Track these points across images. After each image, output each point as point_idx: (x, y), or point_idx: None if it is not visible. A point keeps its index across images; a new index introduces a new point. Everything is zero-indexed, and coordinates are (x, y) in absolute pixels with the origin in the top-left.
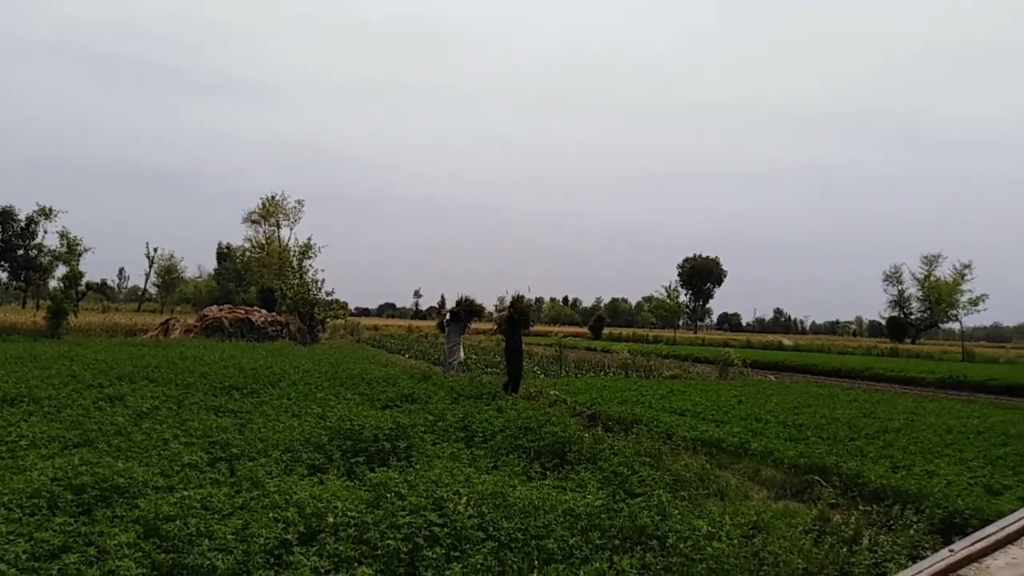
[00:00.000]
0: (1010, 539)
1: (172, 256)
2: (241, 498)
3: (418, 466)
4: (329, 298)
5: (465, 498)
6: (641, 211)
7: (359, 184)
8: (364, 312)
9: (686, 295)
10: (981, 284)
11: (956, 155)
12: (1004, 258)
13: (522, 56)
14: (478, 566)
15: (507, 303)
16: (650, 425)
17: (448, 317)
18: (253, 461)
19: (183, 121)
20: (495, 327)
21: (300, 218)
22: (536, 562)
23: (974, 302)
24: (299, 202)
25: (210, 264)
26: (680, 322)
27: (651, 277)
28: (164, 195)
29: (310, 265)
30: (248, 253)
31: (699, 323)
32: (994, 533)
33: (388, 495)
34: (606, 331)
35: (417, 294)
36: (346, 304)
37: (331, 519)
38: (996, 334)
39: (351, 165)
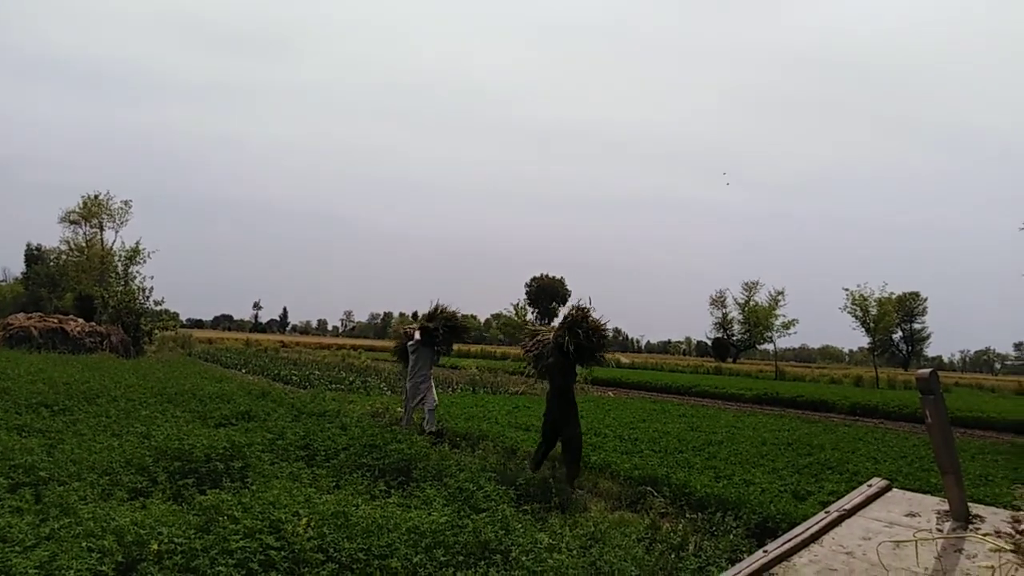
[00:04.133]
0: (812, 539)
1: None
2: (48, 527)
3: (254, 487)
4: (158, 308)
5: (305, 519)
6: (490, 228)
7: (195, 187)
8: (197, 324)
9: (533, 313)
10: (792, 309)
11: (778, 196)
12: (810, 286)
13: (366, 61)
14: None
15: (554, 321)
16: (496, 441)
17: (416, 337)
18: (64, 486)
19: None
20: (531, 352)
21: (127, 220)
22: None
23: (786, 325)
24: (126, 203)
25: (17, 267)
26: None
27: (500, 294)
28: None
29: (137, 272)
30: (65, 256)
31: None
32: (800, 534)
33: (220, 519)
34: (455, 347)
35: (256, 306)
36: (177, 315)
37: (155, 546)
38: (803, 355)
39: (187, 166)
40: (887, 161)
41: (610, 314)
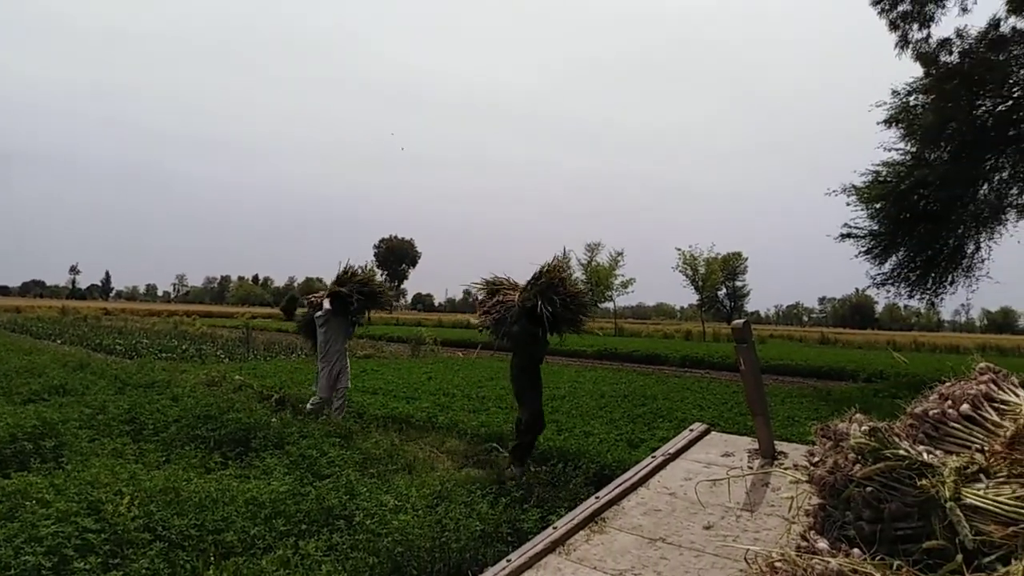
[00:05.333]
0: (640, 482)
1: None
2: None
3: (69, 467)
4: None
5: (128, 498)
6: (339, 189)
7: None
8: (3, 291)
9: (382, 275)
10: (629, 269)
11: (623, 158)
12: (647, 245)
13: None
14: (143, 571)
15: (499, 278)
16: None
17: (325, 307)
18: None
19: None
20: (491, 314)
21: None
22: (213, 558)
23: (625, 284)
24: None
25: None
26: None
27: (347, 257)
28: None
29: None
30: None
31: (394, 303)
32: (629, 479)
33: (28, 503)
34: (299, 312)
35: (74, 270)
36: None
37: None
38: (640, 312)
39: None
40: (723, 127)
41: (462, 277)
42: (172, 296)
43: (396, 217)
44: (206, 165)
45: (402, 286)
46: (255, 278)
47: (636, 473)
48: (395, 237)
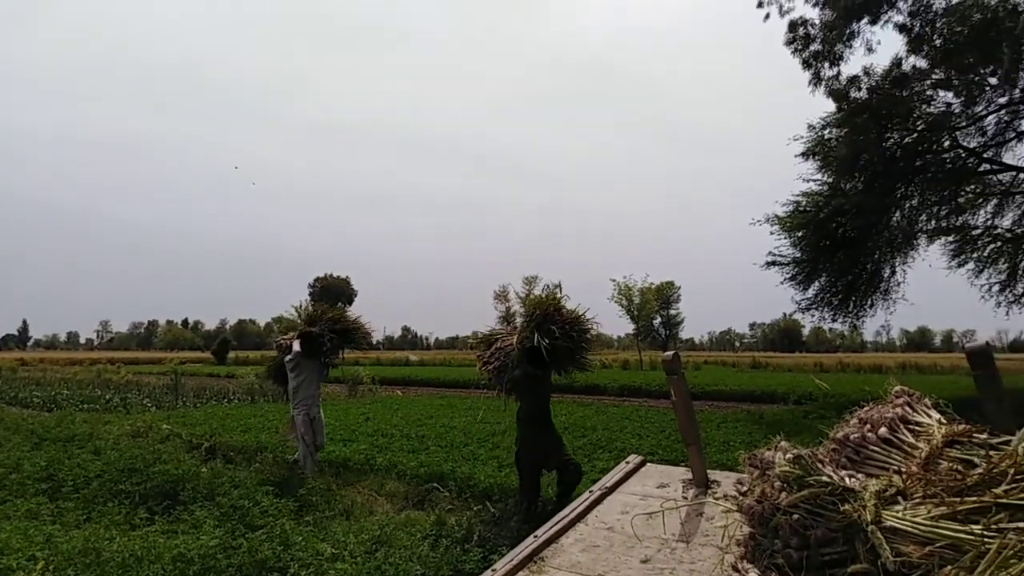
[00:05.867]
0: (578, 518)
1: None
2: None
3: None
4: None
5: (42, 563)
6: (270, 228)
7: None
8: None
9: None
10: (567, 301)
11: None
12: (582, 277)
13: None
14: None
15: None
16: (276, 452)
17: (295, 349)
18: None
19: None
20: (490, 364)
21: None
22: None
23: None
24: None
25: None
26: None
27: (281, 297)
28: None
29: None
30: None
31: (371, 341)
32: (567, 516)
33: None
34: (232, 355)
35: None
36: None
37: None
38: None
39: None
40: (651, 158)
41: (399, 313)
42: (96, 343)
43: (331, 255)
44: (132, 207)
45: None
46: (184, 322)
47: (574, 509)
48: (330, 275)
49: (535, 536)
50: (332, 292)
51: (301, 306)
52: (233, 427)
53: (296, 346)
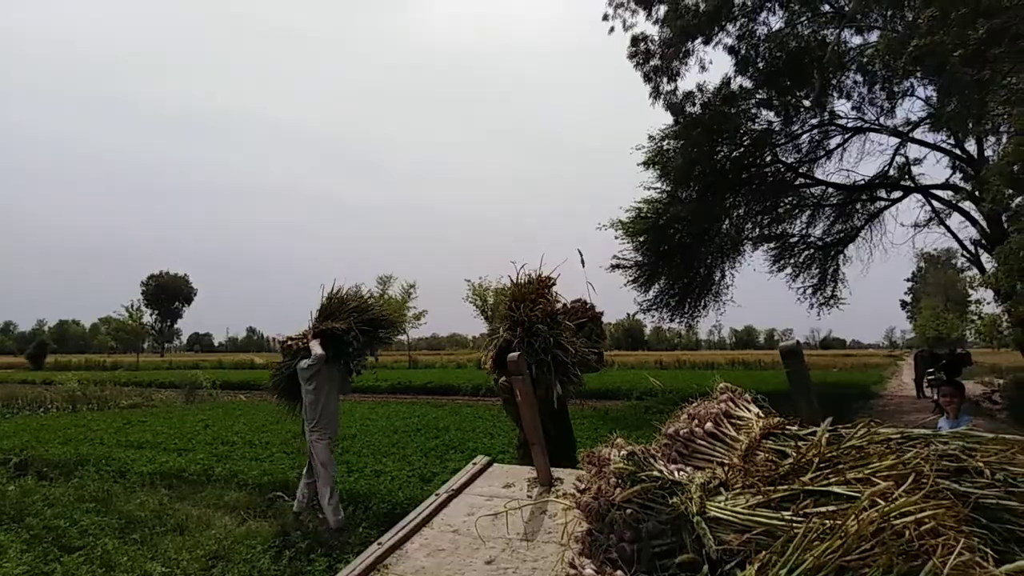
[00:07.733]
0: (424, 522)
1: None
2: None
3: None
4: None
5: None
6: (98, 221)
7: None
8: None
9: (151, 315)
10: (422, 301)
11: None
12: (439, 276)
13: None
14: None
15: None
16: (99, 465)
17: (317, 351)
18: None
19: None
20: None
21: None
22: None
23: (417, 316)
24: None
25: None
26: (145, 345)
27: (110, 296)
28: None
29: None
30: None
31: (167, 345)
32: (412, 520)
33: None
34: (51, 359)
35: None
36: None
37: None
38: (434, 343)
39: None
40: (506, 158)
41: (240, 314)
42: None
43: (167, 251)
44: None
45: (175, 326)
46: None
47: (419, 514)
48: (166, 273)
49: (379, 543)
50: (168, 290)
51: (133, 305)
52: (49, 439)
53: (316, 348)
